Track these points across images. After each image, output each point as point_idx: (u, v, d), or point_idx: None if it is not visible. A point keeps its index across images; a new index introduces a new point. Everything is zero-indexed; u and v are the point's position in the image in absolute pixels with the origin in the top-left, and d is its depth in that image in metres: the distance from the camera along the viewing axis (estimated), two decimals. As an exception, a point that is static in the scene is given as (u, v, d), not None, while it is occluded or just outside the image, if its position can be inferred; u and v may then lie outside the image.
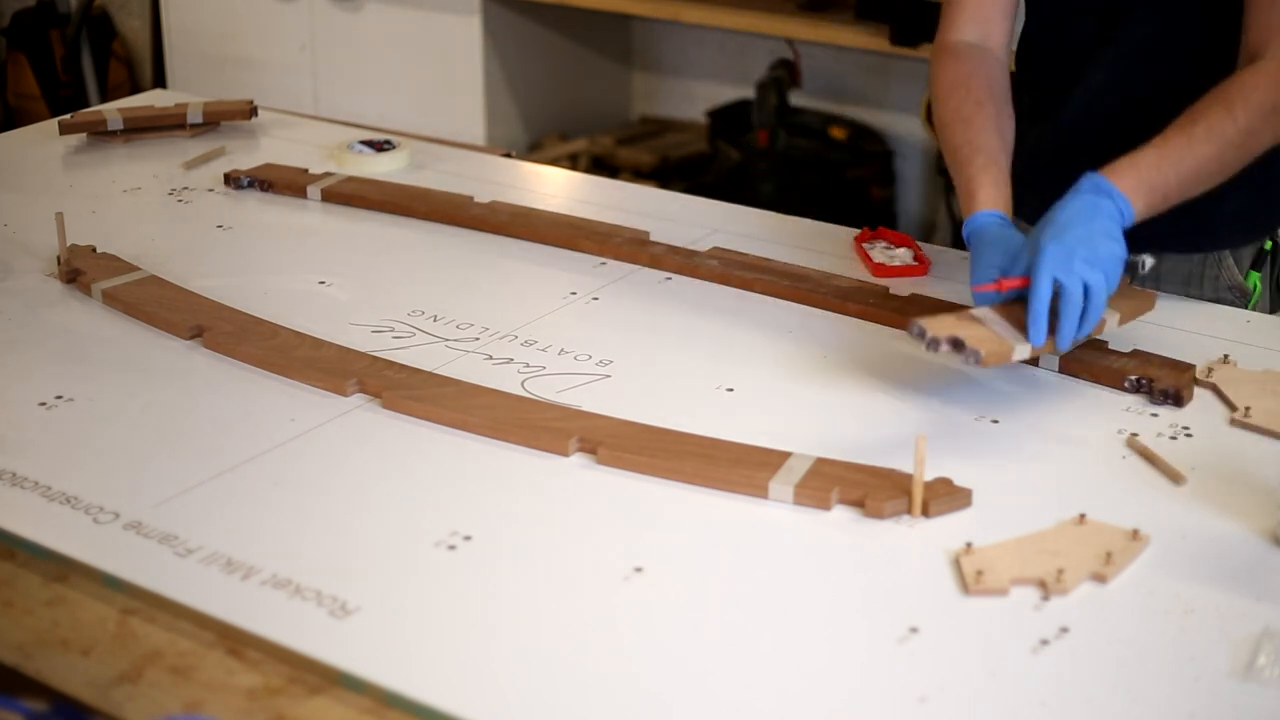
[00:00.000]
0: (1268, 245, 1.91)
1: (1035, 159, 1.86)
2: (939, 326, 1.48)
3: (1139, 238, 1.64)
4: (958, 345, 1.46)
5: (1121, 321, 1.61)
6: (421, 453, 1.48)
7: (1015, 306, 1.55)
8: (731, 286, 1.86)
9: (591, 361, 1.66)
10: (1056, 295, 1.51)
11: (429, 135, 2.53)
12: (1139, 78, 1.81)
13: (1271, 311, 1.94)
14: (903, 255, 1.94)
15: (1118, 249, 1.55)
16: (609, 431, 1.48)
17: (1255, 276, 1.90)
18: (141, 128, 2.39)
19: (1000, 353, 1.49)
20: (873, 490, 1.37)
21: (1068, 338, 1.52)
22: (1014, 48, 1.94)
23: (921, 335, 1.47)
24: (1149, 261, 1.82)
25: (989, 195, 1.67)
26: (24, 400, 1.58)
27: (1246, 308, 1.88)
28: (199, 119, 2.42)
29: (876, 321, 1.76)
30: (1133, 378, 1.57)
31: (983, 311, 1.55)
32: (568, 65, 4.14)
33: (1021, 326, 1.52)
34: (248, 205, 2.15)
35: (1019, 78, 1.90)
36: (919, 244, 1.96)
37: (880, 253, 1.95)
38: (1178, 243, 1.84)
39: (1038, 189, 1.75)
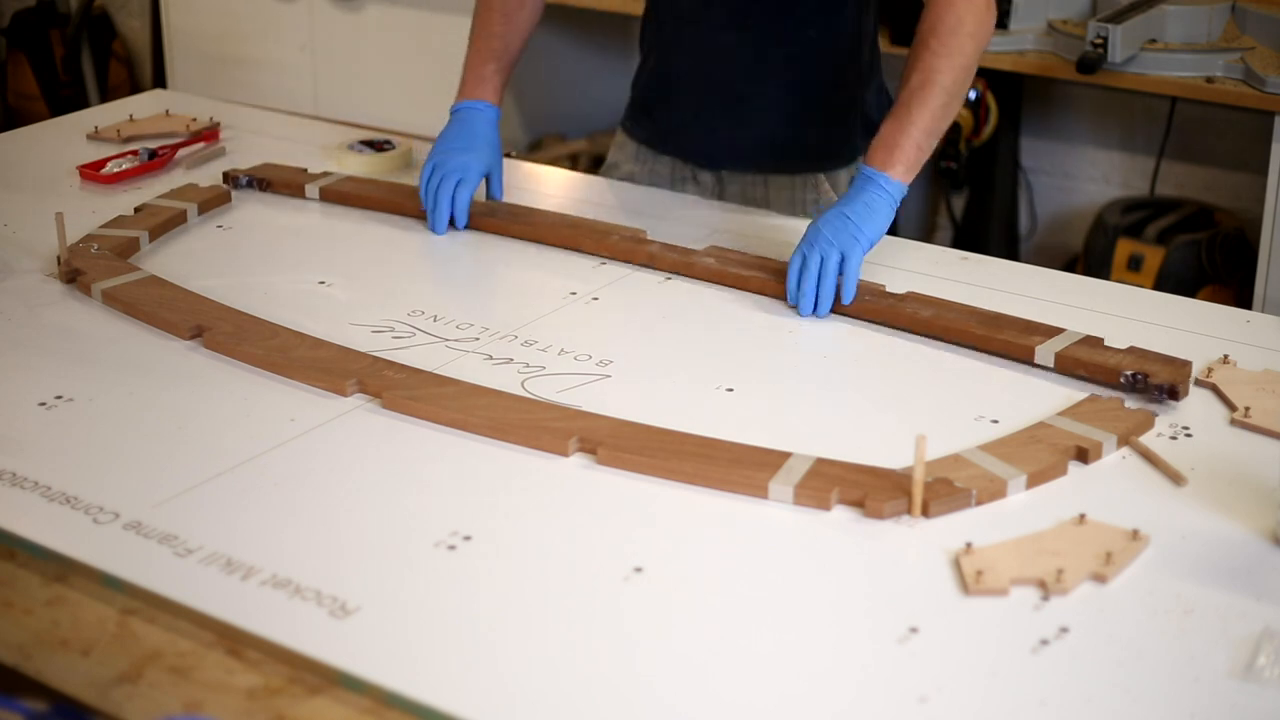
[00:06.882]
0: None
1: (649, 88, 2.22)
2: None
3: (749, 161, 2.13)
4: None
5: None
6: (421, 453, 1.48)
7: None
8: (731, 286, 1.86)
9: (591, 361, 1.66)
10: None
11: (429, 135, 2.52)
12: (737, 36, 2.08)
13: None
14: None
15: (883, 225, 1.81)
16: (609, 431, 1.48)
17: None
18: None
19: None
20: (873, 490, 1.37)
21: (808, 301, 1.77)
22: None
23: None
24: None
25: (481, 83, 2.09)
26: (24, 400, 1.58)
27: None
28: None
29: (875, 321, 1.76)
30: (1128, 373, 1.57)
31: None
32: (568, 65, 4.13)
33: None
34: (248, 205, 2.15)
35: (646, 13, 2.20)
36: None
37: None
38: (776, 166, 2.16)
39: (647, 109, 2.21)
